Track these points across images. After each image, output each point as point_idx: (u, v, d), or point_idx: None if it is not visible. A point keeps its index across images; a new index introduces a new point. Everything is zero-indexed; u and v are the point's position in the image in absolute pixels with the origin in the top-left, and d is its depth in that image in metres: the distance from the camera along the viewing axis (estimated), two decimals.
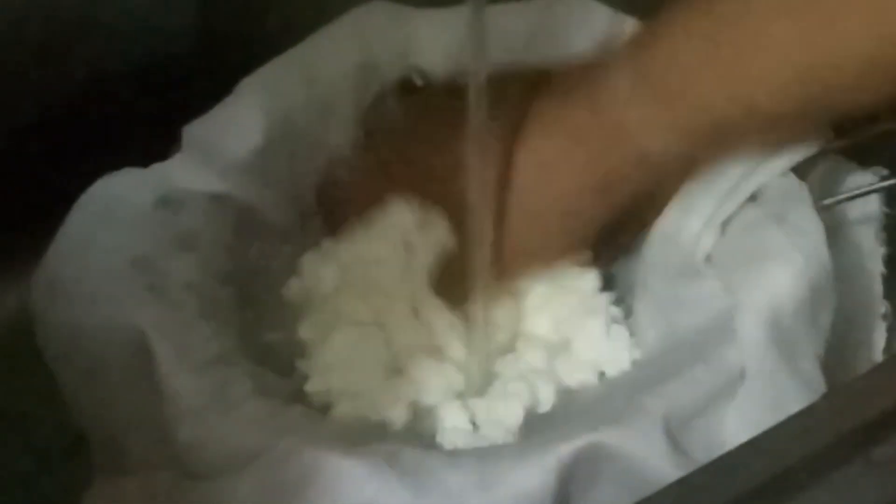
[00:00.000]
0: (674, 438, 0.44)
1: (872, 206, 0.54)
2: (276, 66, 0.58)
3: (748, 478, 0.37)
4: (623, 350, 0.55)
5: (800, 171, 0.51)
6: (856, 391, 0.41)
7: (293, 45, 0.59)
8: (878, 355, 0.52)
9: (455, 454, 0.45)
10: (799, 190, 0.50)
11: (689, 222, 0.52)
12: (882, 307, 0.52)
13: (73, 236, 0.51)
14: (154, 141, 0.54)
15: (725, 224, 0.51)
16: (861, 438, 0.38)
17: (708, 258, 0.51)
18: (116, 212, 0.52)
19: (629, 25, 0.58)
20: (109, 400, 0.48)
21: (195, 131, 0.55)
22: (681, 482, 0.37)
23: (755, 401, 0.46)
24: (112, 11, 0.59)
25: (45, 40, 0.58)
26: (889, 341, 0.53)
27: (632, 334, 0.56)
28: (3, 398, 0.56)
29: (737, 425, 0.46)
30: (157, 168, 0.54)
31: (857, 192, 0.53)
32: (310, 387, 0.54)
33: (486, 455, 0.45)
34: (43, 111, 0.59)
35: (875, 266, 0.53)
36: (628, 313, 0.57)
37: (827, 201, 0.52)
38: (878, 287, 0.52)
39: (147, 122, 0.56)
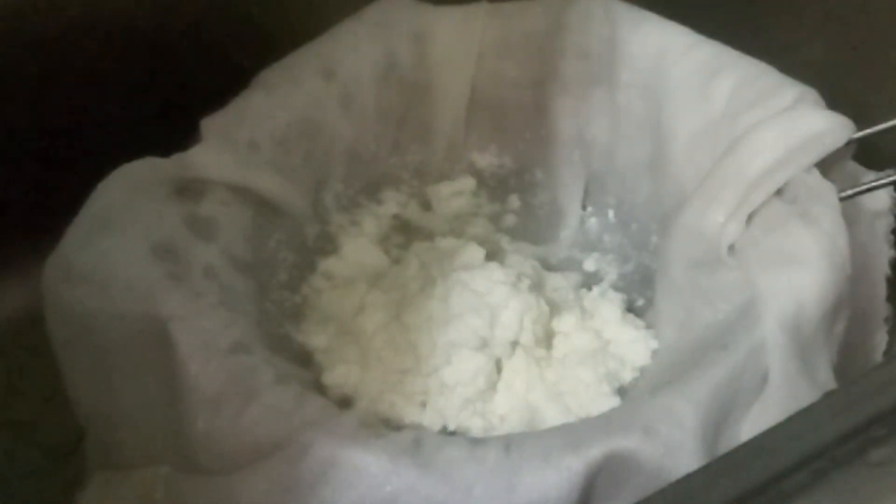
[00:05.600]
0: (704, 448, 0.44)
1: (881, 204, 0.53)
2: (295, 58, 0.58)
3: (748, 478, 0.37)
4: (640, 341, 0.56)
5: (822, 167, 0.51)
6: (855, 392, 0.40)
7: (313, 37, 0.59)
8: (878, 357, 0.52)
9: (478, 444, 0.44)
10: (824, 189, 0.50)
11: (714, 213, 0.51)
12: (884, 310, 0.52)
13: (91, 222, 0.50)
14: (158, 139, 0.54)
15: (750, 217, 0.50)
16: (860, 439, 0.38)
17: (731, 249, 0.51)
18: (136, 199, 0.52)
19: (646, 20, 0.58)
20: (115, 389, 0.48)
21: (214, 123, 0.55)
22: (680, 482, 0.38)
23: (775, 408, 0.46)
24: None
25: (45, 40, 0.58)
26: (889, 343, 0.53)
27: (649, 326, 0.57)
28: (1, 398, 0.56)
29: (755, 432, 0.44)
30: (178, 158, 0.54)
31: (863, 187, 0.52)
32: (327, 379, 0.55)
33: (510, 447, 0.44)
34: (43, 111, 0.59)
35: (881, 267, 0.52)
36: (648, 305, 0.58)
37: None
38: (882, 289, 0.52)
39: (151, 121, 0.57)
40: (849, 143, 0.51)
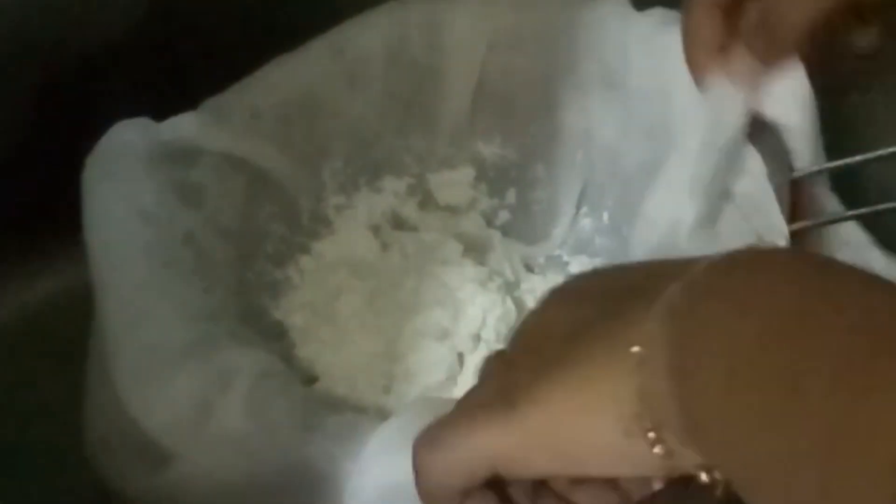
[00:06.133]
0: None
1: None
2: (309, 44, 0.58)
3: None
4: None
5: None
6: None
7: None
8: None
9: None
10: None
11: (682, 213, 0.52)
12: None
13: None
14: None
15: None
16: None
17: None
18: (127, 161, 0.53)
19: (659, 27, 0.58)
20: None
21: (220, 95, 0.56)
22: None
23: None
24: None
25: (46, 36, 0.58)
26: None
27: None
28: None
29: None
30: (173, 122, 0.55)
31: (825, 219, 0.52)
32: (300, 352, 0.56)
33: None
34: (42, 111, 0.59)
35: None
36: None
37: (794, 226, 0.51)
38: None
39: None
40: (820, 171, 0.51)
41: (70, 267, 0.53)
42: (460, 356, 0.56)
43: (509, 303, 0.58)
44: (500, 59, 0.60)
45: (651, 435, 0.33)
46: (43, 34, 0.58)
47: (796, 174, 0.50)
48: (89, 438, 0.50)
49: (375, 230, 0.61)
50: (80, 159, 0.52)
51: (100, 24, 0.59)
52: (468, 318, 0.56)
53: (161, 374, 0.47)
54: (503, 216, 0.64)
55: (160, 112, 0.55)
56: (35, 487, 0.53)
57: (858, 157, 0.50)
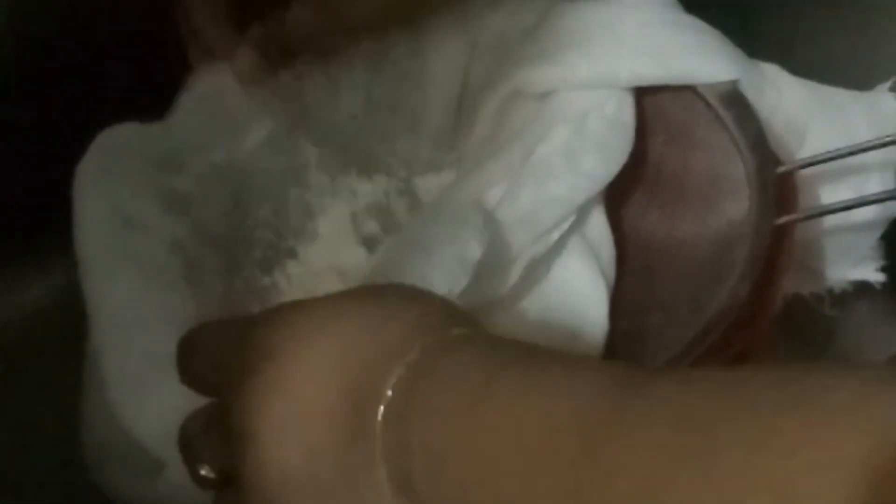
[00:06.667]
0: None
1: None
2: None
3: None
4: None
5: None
6: None
7: None
8: None
9: None
10: None
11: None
12: None
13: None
14: None
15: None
16: None
17: None
18: (115, 168, 0.53)
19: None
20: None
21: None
22: None
23: None
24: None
25: (43, 37, 0.59)
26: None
27: None
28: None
29: None
30: (160, 128, 0.56)
31: (813, 212, 0.52)
32: None
33: None
34: (42, 111, 0.60)
35: None
36: None
37: (782, 220, 0.50)
38: None
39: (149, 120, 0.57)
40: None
41: (69, 267, 0.53)
42: None
43: None
44: (485, 61, 0.60)
45: None
46: (42, 34, 0.58)
47: (782, 168, 0.50)
48: (87, 443, 0.50)
49: (362, 234, 0.61)
50: (79, 159, 0.53)
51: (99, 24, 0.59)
52: None
53: (151, 381, 0.47)
54: None
55: (158, 115, 0.56)
56: (35, 488, 0.53)
57: (845, 150, 0.50)
